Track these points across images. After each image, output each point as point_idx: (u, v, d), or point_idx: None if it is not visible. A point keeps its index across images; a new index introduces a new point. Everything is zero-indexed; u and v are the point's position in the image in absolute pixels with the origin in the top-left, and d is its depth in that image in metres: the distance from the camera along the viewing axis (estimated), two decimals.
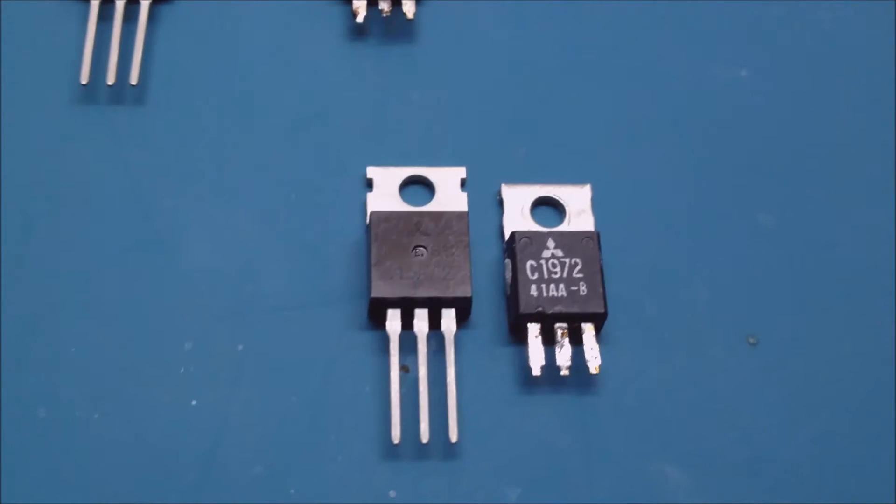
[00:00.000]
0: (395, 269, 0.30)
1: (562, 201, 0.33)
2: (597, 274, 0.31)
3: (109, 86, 0.33)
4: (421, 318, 0.30)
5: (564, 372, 0.30)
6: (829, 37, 0.36)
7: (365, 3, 0.35)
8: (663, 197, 0.33)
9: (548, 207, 0.33)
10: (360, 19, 0.35)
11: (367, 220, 0.31)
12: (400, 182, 0.32)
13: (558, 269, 0.31)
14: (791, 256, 0.33)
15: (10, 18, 0.34)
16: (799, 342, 0.31)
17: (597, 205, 0.33)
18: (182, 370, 0.30)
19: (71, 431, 0.29)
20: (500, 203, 0.33)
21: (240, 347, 0.30)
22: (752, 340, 0.31)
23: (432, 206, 0.32)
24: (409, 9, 0.35)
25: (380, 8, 0.35)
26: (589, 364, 0.30)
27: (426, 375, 0.29)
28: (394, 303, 0.30)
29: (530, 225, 0.32)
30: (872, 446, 0.30)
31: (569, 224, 0.32)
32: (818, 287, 0.32)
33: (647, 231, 0.33)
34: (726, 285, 0.32)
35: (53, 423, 0.29)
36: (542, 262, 0.31)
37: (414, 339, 0.30)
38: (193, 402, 0.30)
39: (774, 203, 0.33)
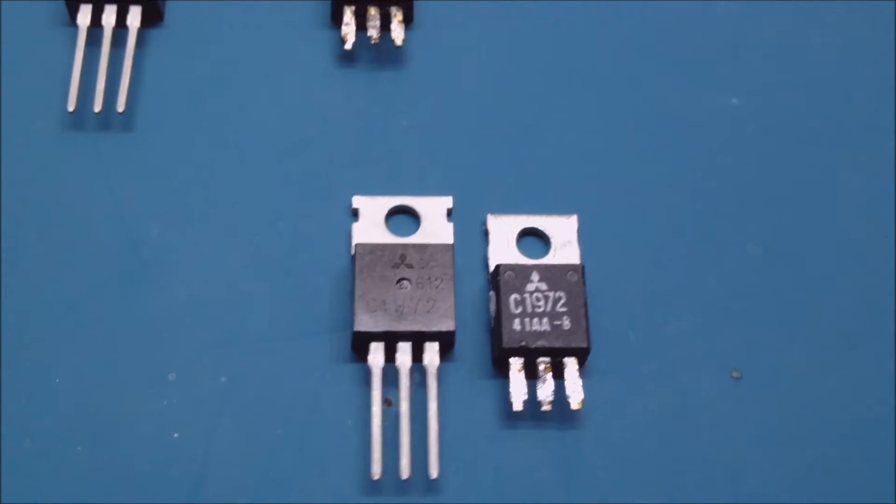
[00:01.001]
0: (378, 303, 0.30)
1: (547, 232, 0.32)
2: (581, 308, 0.30)
3: (96, 113, 0.33)
4: (404, 352, 0.30)
5: (546, 407, 0.30)
6: (820, 65, 0.36)
7: (354, 29, 0.35)
8: (651, 227, 0.33)
9: (534, 238, 0.33)
10: (348, 46, 0.35)
11: (352, 252, 0.32)
12: (386, 212, 0.32)
13: (542, 302, 0.31)
14: (778, 288, 0.32)
15: None
16: (783, 377, 0.31)
17: (583, 236, 0.33)
18: (165, 402, 0.30)
19: (54, 463, 0.29)
20: (486, 233, 0.33)
21: (223, 379, 0.30)
22: (735, 374, 0.31)
23: (418, 237, 0.32)
24: (397, 35, 0.35)
25: (368, 35, 0.35)
26: (570, 399, 0.30)
27: (408, 411, 0.29)
28: (377, 336, 0.30)
29: (516, 256, 0.32)
30: (858, 482, 0.30)
31: (554, 255, 0.32)
32: (804, 320, 0.32)
33: (633, 262, 0.32)
34: (712, 318, 0.32)
35: (37, 455, 0.29)
36: (526, 295, 0.31)
37: (397, 372, 0.30)
38: (176, 435, 0.30)
39: (763, 233, 0.33)
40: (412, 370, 0.30)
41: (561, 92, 0.35)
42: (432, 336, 0.30)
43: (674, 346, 0.31)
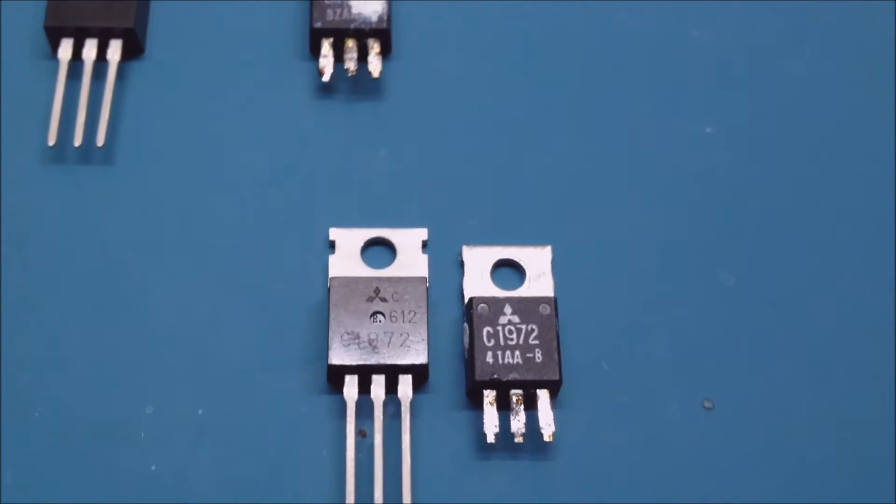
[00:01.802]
0: (352, 336, 0.31)
1: (522, 263, 0.33)
2: (553, 340, 0.31)
3: (76, 147, 0.34)
4: (378, 385, 0.31)
5: (518, 439, 0.30)
6: (796, 94, 0.36)
7: (331, 61, 0.35)
8: (624, 257, 0.33)
9: (508, 269, 0.33)
10: (326, 78, 0.35)
11: (328, 285, 0.32)
12: (362, 244, 0.33)
13: (514, 335, 0.31)
14: (750, 318, 0.33)
15: None
16: (754, 406, 0.32)
17: (557, 266, 0.33)
18: (143, 435, 0.31)
19: (33, 495, 0.30)
20: (462, 264, 0.33)
21: (200, 412, 0.31)
22: (707, 404, 0.32)
23: (394, 268, 0.32)
24: (374, 67, 0.35)
25: (346, 67, 0.35)
26: (543, 432, 0.30)
27: (381, 443, 0.30)
28: (351, 369, 0.31)
29: (490, 287, 0.32)
30: None
31: (529, 286, 0.33)
32: (775, 350, 0.32)
33: (606, 292, 0.33)
34: (684, 347, 0.32)
35: (15, 488, 0.30)
36: (499, 328, 0.31)
37: (372, 404, 0.31)
38: (153, 468, 0.30)
39: (736, 263, 0.33)
40: (386, 402, 0.31)
41: (536, 123, 0.35)
42: (405, 369, 0.30)
43: (646, 376, 0.32)
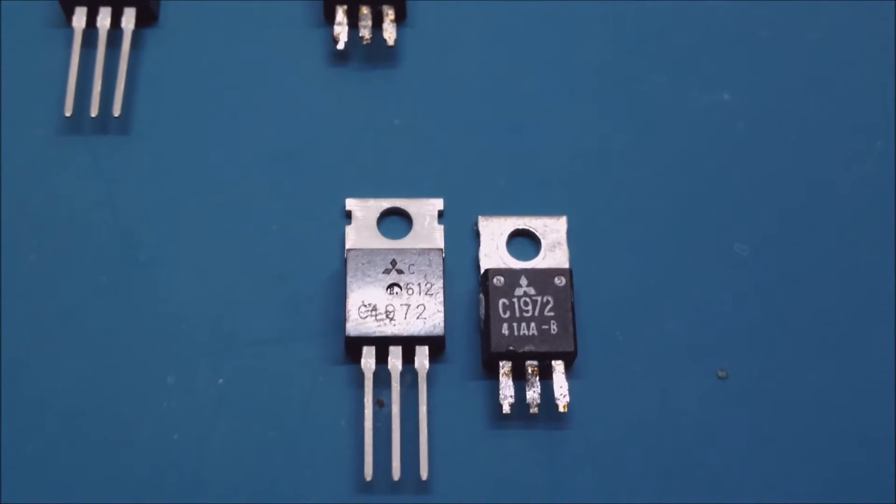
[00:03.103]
0: (369, 308, 0.31)
1: (537, 233, 0.33)
2: (568, 312, 0.31)
3: (93, 117, 0.34)
4: (395, 356, 0.31)
5: (534, 409, 0.30)
6: (813, 61, 0.36)
7: (346, 29, 0.35)
8: (640, 228, 0.33)
9: (524, 239, 0.33)
10: (340, 45, 0.35)
11: (345, 256, 0.32)
12: (378, 214, 0.33)
13: (530, 307, 0.31)
14: (765, 288, 0.33)
15: None
16: (769, 376, 0.32)
17: (572, 236, 0.33)
18: (165, 405, 0.31)
19: (56, 464, 0.30)
20: (477, 235, 0.33)
21: (220, 381, 0.31)
22: (721, 374, 0.32)
23: (410, 239, 0.33)
24: (389, 35, 0.35)
25: (360, 34, 0.35)
26: (558, 402, 0.30)
27: (399, 413, 0.30)
28: (368, 341, 0.31)
29: (505, 257, 0.33)
30: (842, 480, 0.31)
31: (544, 256, 0.33)
32: (790, 320, 0.32)
33: (621, 262, 0.33)
34: (699, 318, 0.32)
35: (39, 457, 0.30)
36: (515, 300, 0.31)
37: (389, 374, 0.31)
38: (175, 436, 0.31)
39: (751, 233, 0.34)
40: (404, 372, 0.31)
41: (552, 92, 0.35)
42: (422, 340, 0.31)
43: (661, 346, 0.32)
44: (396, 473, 0.30)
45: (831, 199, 0.34)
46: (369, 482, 0.30)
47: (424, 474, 0.30)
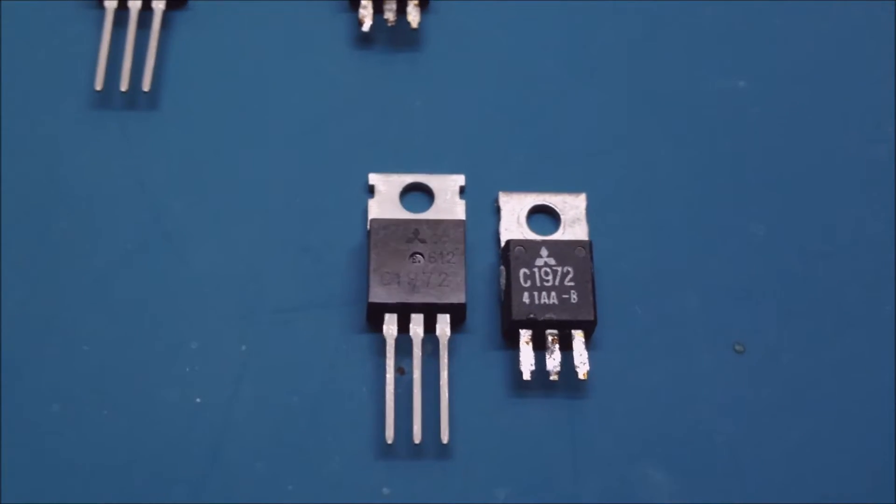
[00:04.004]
0: (392, 276, 0.31)
1: (557, 209, 0.33)
2: (588, 283, 0.32)
3: (123, 92, 0.35)
4: (417, 323, 0.31)
5: (553, 377, 0.31)
6: (827, 47, 0.37)
7: (371, 11, 0.36)
8: (657, 206, 0.34)
9: (544, 215, 0.34)
10: (365, 28, 0.36)
11: (368, 227, 0.33)
12: (400, 189, 0.34)
13: (550, 277, 0.32)
14: (780, 266, 0.33)
15: (25, 23, 0.36)
16: (785, 350, 0.32)
17: (592, 213, 0.34)
18: (188, 369, 0.31)
19: (81, 427, 0.31)
20: (498, 210, 0.34)
21: (243, 348, 0.32)
22: (738, 348, 0.32)
23: (431, 213, 0.33)
24: (413, 18, 0.36)
25: (385, 17, 0.36)
26: (578, 370, 0.31)
27: (420, 378, 0.31)
28: (390, 308, 0.31)
29: (526, 233, 0.33)
30: (856, 452, 0.31)
31: (563, 232, 0.33)
32: (804, 297, 0.33)
33: (639, 240, 0.33)
34: (716, 294, 0.33)
35: (64, 419, 0.31)
36: (535, 269, 0.32)
37: (410, 342, 0.31)
38: (198, 400, 0.31)
39: (766, 213, 0.34)
40: (425, 341, 0.31)
41: (571, 74, 0.36)
42: (444, 308, 0.31)
43: (678, 320, 0.32)
44: (417, 437, 0.30)
45: (842, 180, 0.34)
46: (391, 445, 0.30)
47: (445, 438, 0.30)
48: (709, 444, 0.31)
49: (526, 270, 0.32)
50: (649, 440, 0.31)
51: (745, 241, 0.34)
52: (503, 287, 0.32)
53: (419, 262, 0.32)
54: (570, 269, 0.32)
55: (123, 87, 0.35)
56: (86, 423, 0.31)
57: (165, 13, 0.36)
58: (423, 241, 0.32)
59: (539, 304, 0.31)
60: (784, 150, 0.35)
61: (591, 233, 0.33)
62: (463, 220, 0.33)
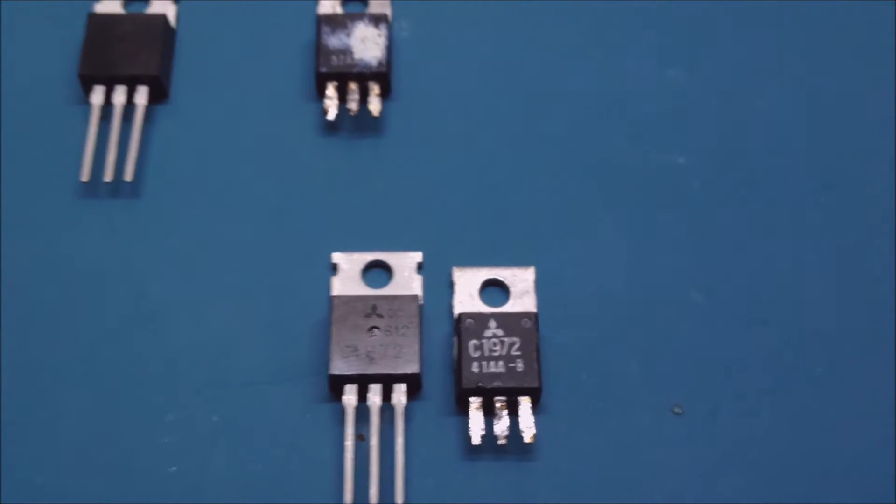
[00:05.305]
0: (351, 349, 0.34)
1: (507, 283, 0.36)
2: (533, 351, 0.34)
3: (107, 182, 0.38)
4: (375, 393, 0.34)
5: (501, 441, 0.33)
6: (762, 128, 0.39)
7: (336, 102, 0.39)
8: (601, 276, 0.36)
9: (495, 288, 0.36)
10: (330, 117, 0.39)
11: (330, 303, 0.35)
12: (362, 266, 0.36)
13: (498, 347, 0.34)
14: (718, 330, 0.36)
15: (17, 120, 0.39)
16: (722, 412, 0.34)
17: (540, 285, 0.36)
18: (165, 440, 0.34)
19: (65, 496, 0.33)
20: (452, 285, 0.36)
21: (215, 419, 0.34)
22: (677, 410, 0.34)
23: (390, 289, 0.36)
24: (374, 107, 0.39)
25: (348, 107, 0.39)
26: (524, 434, 0.33)
27: (377, 445, 0.33)
28: (350, 379, 0.34)
29: (478, 305, 0.36)
30: None
31: (513, 304, 0.36)
32: (741, 360, 0.35)
33: (584, 309, 0.36)
34: (657, 358, 0.35)
35: (44, 487, 0.33)
36: (484, 340, 0.34)
37: (369, 410, 0.34)
38: (173, 469, 0.33)
39: (705, 281, 0.36)
40: (383, 409, 0.34)
41: (522, 156, 0.38)
42: (399, 378, 0.34)
43: (620, 384, 0.35)
44: (374, 498, 0.32)
45: (780, 249, 0.37)
46: None
47: (399, 499, 0.32)
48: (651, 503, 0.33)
49: (475, 341, 0.34)
50: (593, 499, 0.33)
51: (684, 307, 0.36)
52: (455, 357, 0.35)
53: (377, 335, 0.34)
54: (516, 339, 0.34)
55: (108, 177, 0.38)
56: (70, 492, 0.33)
57: (148, 108, 0.39)
58: (380, 316, 0.35)
59: (487, 372, 0.34)
60: (722, 222, 0.37)
61: (539, 304, 0.36)
62: (417, 296, 0.35)
